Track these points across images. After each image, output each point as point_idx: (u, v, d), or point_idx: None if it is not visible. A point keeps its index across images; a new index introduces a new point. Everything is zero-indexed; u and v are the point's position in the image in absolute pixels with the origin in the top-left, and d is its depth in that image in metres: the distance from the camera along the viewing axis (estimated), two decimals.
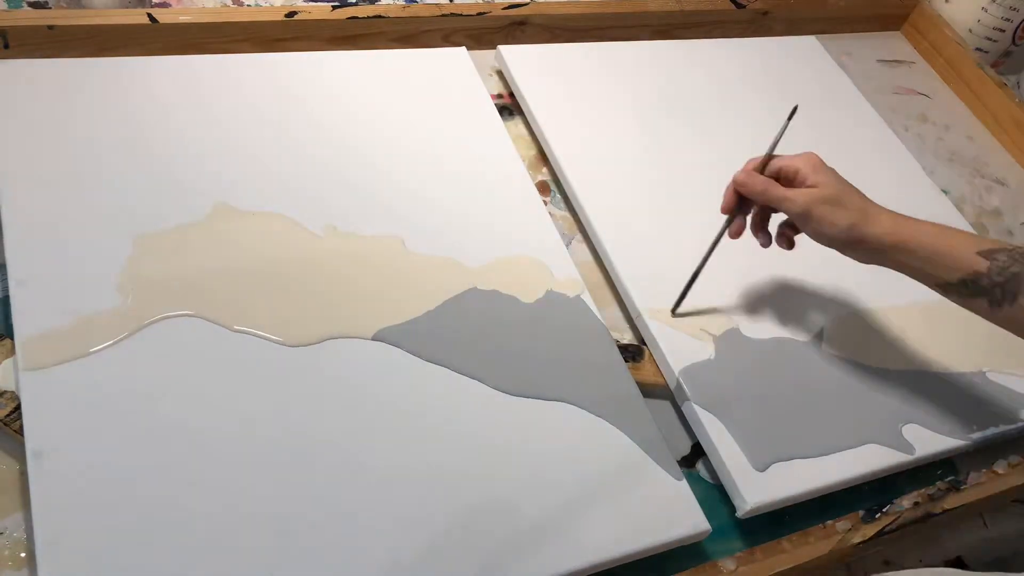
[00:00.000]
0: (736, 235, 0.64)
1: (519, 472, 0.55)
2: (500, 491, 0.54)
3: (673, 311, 0.66)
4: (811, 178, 0.60)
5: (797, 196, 0.59)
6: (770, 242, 0.64)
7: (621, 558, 0.53)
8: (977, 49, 1.04)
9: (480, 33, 0.84)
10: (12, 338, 0.53)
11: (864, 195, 0.60)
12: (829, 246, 0.60)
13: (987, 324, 0.75)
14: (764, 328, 0.68)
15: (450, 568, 0.50)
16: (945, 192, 0.87)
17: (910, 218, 0.59)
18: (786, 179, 0.61)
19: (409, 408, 0.56)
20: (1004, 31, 1.03)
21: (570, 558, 0.52)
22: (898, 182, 0.85)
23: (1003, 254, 0.55)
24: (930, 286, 0.59)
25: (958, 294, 0.57)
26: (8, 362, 0.53)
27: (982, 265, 0.55)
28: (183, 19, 0.72)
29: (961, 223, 0.83)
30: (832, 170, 0.61)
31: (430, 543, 0.50)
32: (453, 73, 0.78)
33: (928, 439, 0.65)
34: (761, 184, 0.61)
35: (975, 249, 0.56)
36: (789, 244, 0.64)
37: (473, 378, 0.58)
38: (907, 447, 0.64)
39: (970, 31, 1.05)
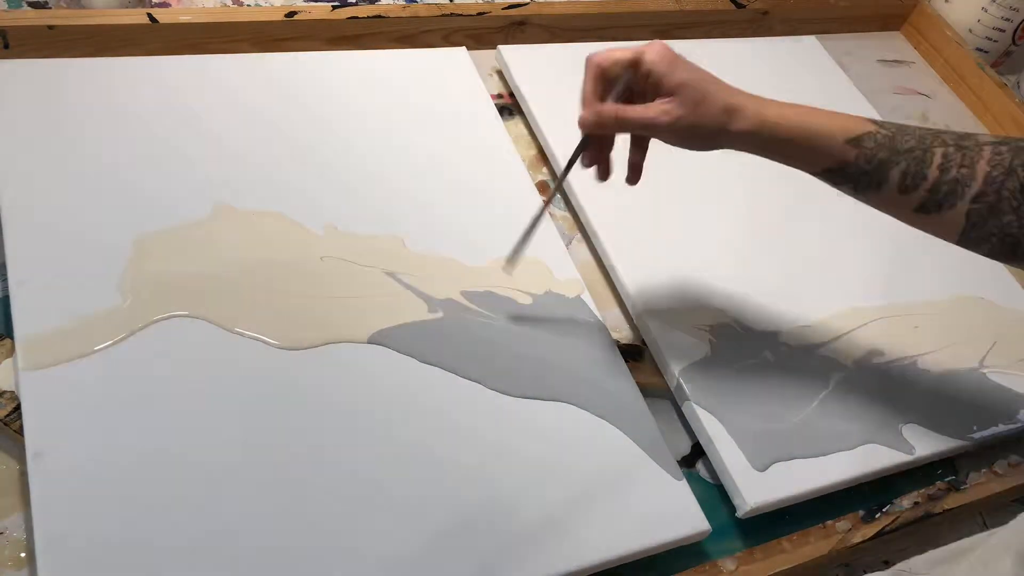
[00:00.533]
0: (604, 176, 0.58)
1: (519, 472, 0.55)
2: (500, 491, 0.54)
3: (508, 261, 0.59)
4: (667, 81, 0.52)
5: (659, 116, 0.52)
6: (608, 175, 0.58)
7: (621, 558, 0.53)
8: (977, 49, 1.04)
9: (480, 33, 0.84)
10: (12, 338, 0.53)
11: (721, 82, 0.54)
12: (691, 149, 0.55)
13: (988, 324, 0.76)
14: (763, 327, 0.68)
15: (450, 568, 0.50)
16: None
17: (773, 104, 0.54)
18: (639, 83, 0.54)
19: (408, 410, 0.56)
20: (1004, 31, 1.03)
21: (570, 558, 0.52)
22: None
23: (870, 139, 0.52)
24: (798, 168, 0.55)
25: (825, 180, 0.55)
26: (8, 362, 0.53)
27: (850, 154, 0.53)
28: (183, 19, 0.72)
29: None
30: (686, 63, 0.53)
31: (430, 543, 0.50)
32: (453, 73, 0.78)
33: (928, 439, 0.65)
34: (612, 114, 0.53)
35: (844, 137, 0.52)
36: (636, 176, 0.58)
37: (472, 379, 0.58)
38: (907, 447, 0.64)
39: (970, 31, 1.05)
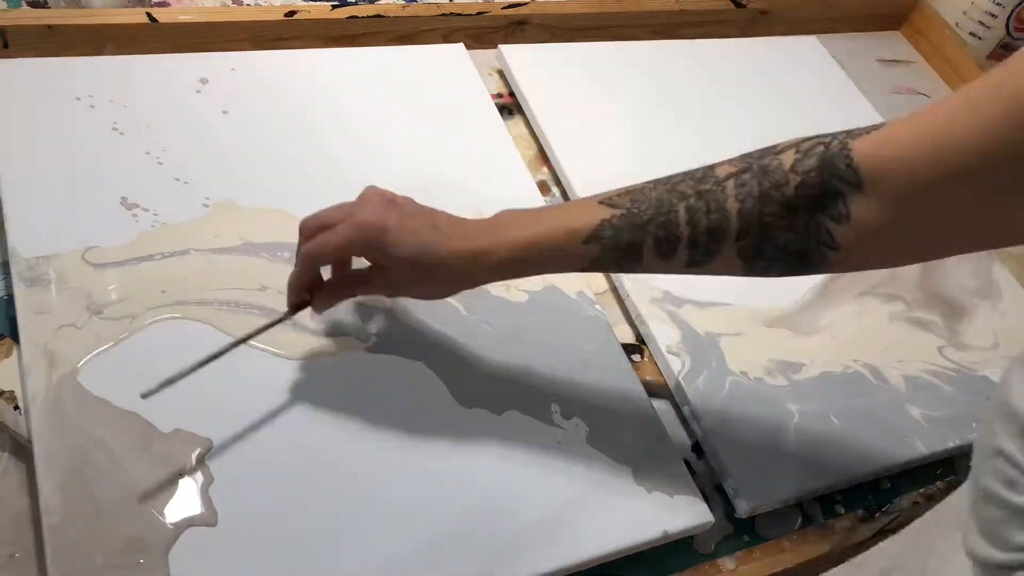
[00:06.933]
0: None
1: (524, 467, 0.55)
2: (506, 487, 0.54)
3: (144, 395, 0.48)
4: (383, 263, 0.51)
5: (386, 293, 0.55)
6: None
7: (626, 549, 0.54)
8: (971, 34, 1.04)
9: (480, 33, 0.84)
10: (12, 337, 0.53)
11: (444, 250, 0.50)
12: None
13: (987, 324, 0.76)
14: (764, 327, 0.68)
15: (457, 559, 0.50)
16: None
17: (501, 240, 0.50)
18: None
19: (409, 410, 0.56)
20: (996, 16, 1.02)
21: (575, 551, 0.52)
22: None
23: (607, 228, 0.48)
24: None
25: (596, 271, 0.53)
26: (7, 362, 0.53)
27: (594, 252, 0.49)
28: (183, 19, 0.72)
29: None
30: (399, 225, 0.50)
31: (435, 537, 0.51)
32: (451, 70, 0.78)
33: (928, 439, 0.65)
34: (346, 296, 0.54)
35: (579, 240, 0.49)
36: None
37: (473, 376, 0.58)
38: (907, 447, 0.64)
39: (964, 13, 1.03)
